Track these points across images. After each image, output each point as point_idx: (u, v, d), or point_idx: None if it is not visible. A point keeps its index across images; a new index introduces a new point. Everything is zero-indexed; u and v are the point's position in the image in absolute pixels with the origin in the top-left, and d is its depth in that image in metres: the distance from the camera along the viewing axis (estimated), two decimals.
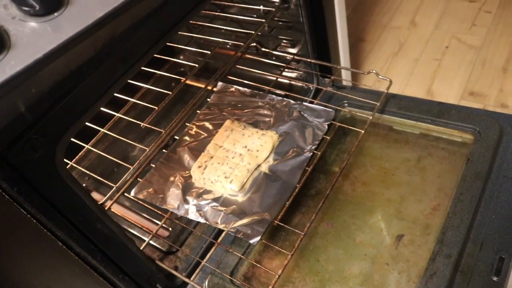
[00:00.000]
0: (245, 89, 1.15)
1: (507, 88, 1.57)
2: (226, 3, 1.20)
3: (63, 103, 0.59)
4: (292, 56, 1.20)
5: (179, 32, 1.26)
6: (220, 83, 1.18)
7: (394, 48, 1.86)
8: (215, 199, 0.93)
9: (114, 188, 0.88)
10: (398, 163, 1.03)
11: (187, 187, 0.97)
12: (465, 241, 0.86)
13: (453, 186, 0.95)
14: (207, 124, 1.09)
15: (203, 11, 1.22)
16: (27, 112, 0.53)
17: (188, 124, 1.10)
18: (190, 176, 0.99)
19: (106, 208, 0.90)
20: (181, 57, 1.45)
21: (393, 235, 0.92)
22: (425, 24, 1.93)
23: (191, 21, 1.26)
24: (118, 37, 0.62)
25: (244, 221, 0.88)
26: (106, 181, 0.95)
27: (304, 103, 1.07)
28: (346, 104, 1.16)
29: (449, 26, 1.89)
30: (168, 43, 1.23)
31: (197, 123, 1.10)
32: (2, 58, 0.48)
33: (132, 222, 1.11)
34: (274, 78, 1.17)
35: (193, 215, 0.92)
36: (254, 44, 1.24)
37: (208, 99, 1.15)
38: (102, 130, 1.01)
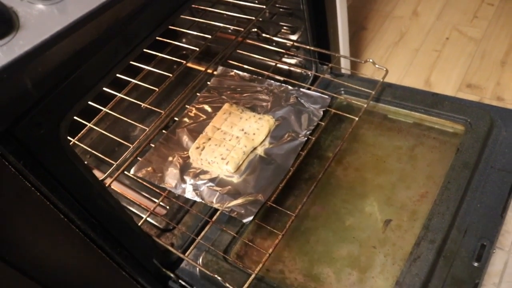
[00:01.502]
0: (245, 73, 1.18)
1: (504, 82, 1.59)
2: None
3: (68, 82, 0.62)
4: (292, 43, 1.22)
5: (182, 16, 1.28)
6: (220, 67, 1.20)
7: (395, 38, 1.87)
8: (212, 179, 0.97)
9: (114, 165, 0.92)
10: (390, 151, 1.06)
11: (185, 167, 1.01)
12: (449, 228, 0.90)
13: (442, 175, 0.99)
14: (206, 107, 1.12)
15: None
16: (34, 90, 0.56)
17: (188, 106, 1.13)
18: (188, 157, 1.02)
19: (106, 186, 0.94)
20: (184, 40, 1.47)
21: (381, 220, 0.95)
22: (427, 15, 1.94)
23: (194, 5, 1.28)
24: (121, 20, 0.64)
25: (239, 201, 0.91)
26: (107, 159, 0.98)
27: (301, 89, 1.10)
28: (342, 92, 1.18)
29: (450, 17, 1.89)
30: (170, 27, 1.26)
31: (197, 106, 1.13)
32: (11, 38, 0.51)
33: (131, 199, 1.15)
34: (274, 64, 1.20)
35: (189, 194, 0.95)
36: (255, 29, 1.27)
37: (208, 82, 1.18)
38: (104, 109, 1.04)
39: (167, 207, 1.10)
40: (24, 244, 0.74)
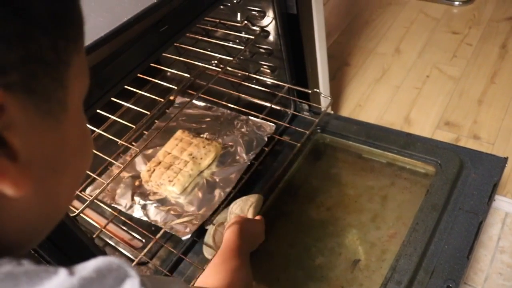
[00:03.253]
0: (201, 102, 1.28)
1: (480, 120, 1.63)
2: (210, 28, 1.26)
3: None
4: (271, 81, 1.26)
5: (165, 54, 1.32)
6: (179, 97, 1.31)
7: (377, 74, 1.92)
8: (159, 200, 1.06)
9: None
10: (362, 191, 1.08)
11: (136, 189, 1.09)
12: (416, 269, 0.91)
13: (411, 216, 1.01)
14: (162, 134, 1.19)
15: (189, 34, 1.27)
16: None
17: (146, 133, 1.22)
18: (141, 179, 1.10)
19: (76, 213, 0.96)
20: (169, 74, 1.51)
21: (350, 259, 0.97)
22: (409, 52, 1.99)
23: (177, 44, 1.32)
24: (93, 67, 0.67)
25: (181, 220, 1.00)
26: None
27: (250, 117, 1.20)
28: (319, 131, 1.22)
29: (431, 55, 1.95)
30: (153, 64, 1.29)
31: (154, 133, 1.20)
32: None
33: (109, 232, 1.16)
34: (252, 100, 1.24)
35: (138, 213, 1.04)
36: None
37: (167, 110, 1.28)
38: None
39: (143, 240, 1.11)
40: None
